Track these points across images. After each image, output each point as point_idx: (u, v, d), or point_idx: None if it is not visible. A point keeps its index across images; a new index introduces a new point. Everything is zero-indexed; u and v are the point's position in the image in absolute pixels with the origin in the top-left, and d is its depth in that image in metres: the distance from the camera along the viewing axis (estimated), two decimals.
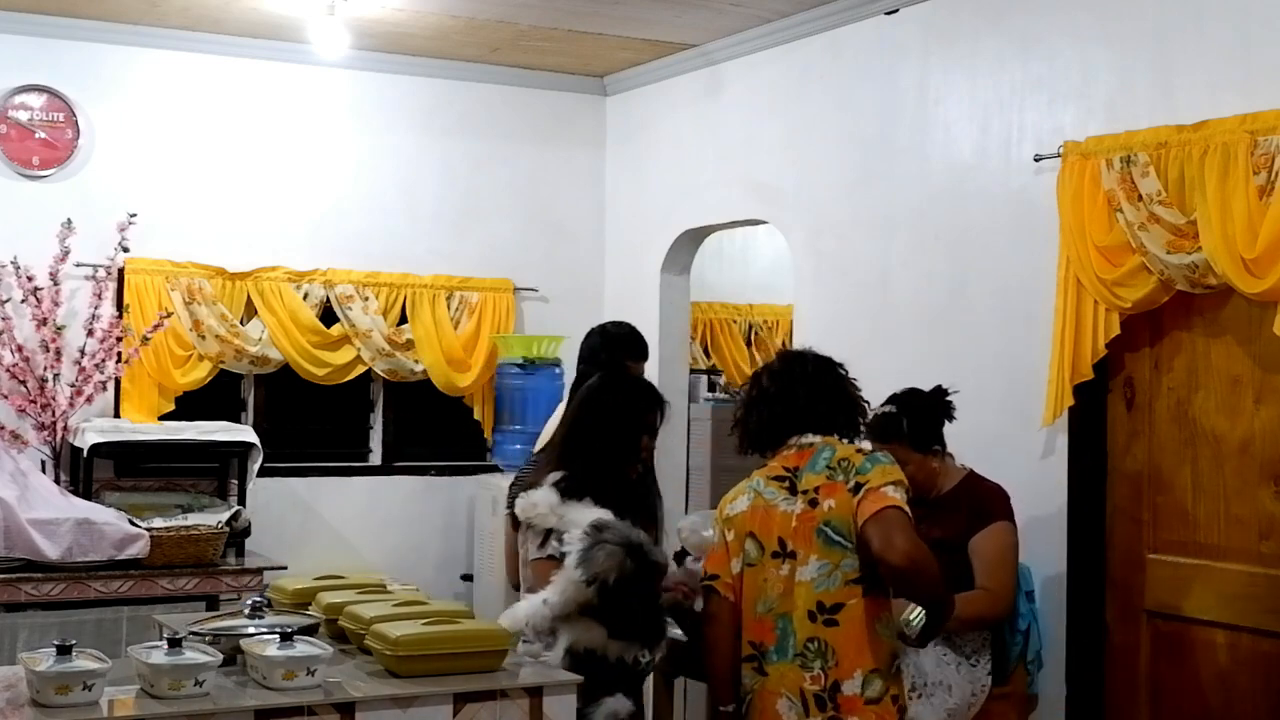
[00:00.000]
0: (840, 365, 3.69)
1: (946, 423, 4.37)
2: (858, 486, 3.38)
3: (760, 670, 3.46)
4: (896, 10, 5.46)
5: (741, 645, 3.52)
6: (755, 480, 3.57)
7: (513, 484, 4.53)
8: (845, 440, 3.57)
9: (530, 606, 3.60)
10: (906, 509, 3.36)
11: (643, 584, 3.56)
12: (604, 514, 3.67)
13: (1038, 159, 4.73)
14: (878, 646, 3.39)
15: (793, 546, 3.43)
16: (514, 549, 4.09)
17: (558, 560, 3.63)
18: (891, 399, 4.39)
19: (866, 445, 3.74)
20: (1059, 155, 4.56)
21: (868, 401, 3.73)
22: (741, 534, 3.52)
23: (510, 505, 4.09)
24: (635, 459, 3.91)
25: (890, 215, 5.47)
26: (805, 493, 3.43)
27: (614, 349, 4.89)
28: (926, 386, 4.41)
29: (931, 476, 4.34)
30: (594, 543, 3.54)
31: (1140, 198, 4.25)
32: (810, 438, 3.53)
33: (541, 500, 3.77)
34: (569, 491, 3.77)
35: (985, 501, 4.28)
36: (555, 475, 3.82)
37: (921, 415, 4.35)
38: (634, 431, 3.90)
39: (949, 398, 4.38)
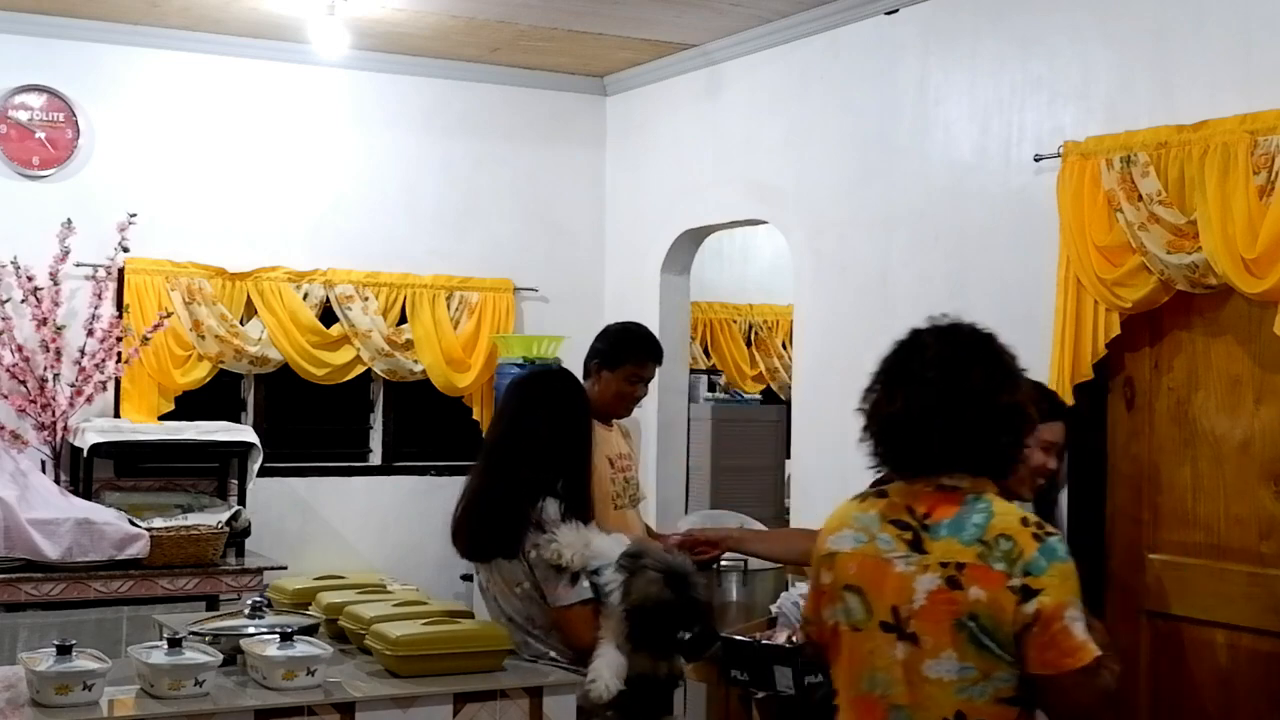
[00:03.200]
0: (1012, 356, 2.68)
1: None
2: (1027, 593, 2.43)
3: None
4: (896, 10, 5.46)
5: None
6: (870, 513, 2.65)
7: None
8: (994, 481, 2.61)
9: (611, 662, 3.40)
10: (1092, 647, 2.45)
11: (682, 616, 3.40)
12: (624, 539, 3.56)
13: (1038, 159, 4.73)
14: None
15: (915, 628, 2.51)
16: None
17: (599, 600, 3.50)
18: None
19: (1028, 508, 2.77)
20: (1059, 155, 4.56)
21: (1035, 419, 2.73)
22: (841, 580, 2.64)
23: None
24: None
25: (890, 215, 5.47)
26: (945, 565, 2.49)
27: (632, 348, 4.72)
28: None
29: None
30: (632, 571, 3.42)
31: (1140, 198, 4.25)
32: (958, 479, 2.57)
33: (576, 539, 3.50)
34: (576, 515, 3.59)
35: None
36: (553, 505, 3.57)
37: None
38: (588, 427, 3.79)
39: None
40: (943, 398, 2.56)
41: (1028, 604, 2.42)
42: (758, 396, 7.97)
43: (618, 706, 3.44)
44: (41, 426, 5.98)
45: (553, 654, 3.62)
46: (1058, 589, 2.43)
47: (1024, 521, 2.51)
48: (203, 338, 6.34)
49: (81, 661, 3.14)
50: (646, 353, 4.45)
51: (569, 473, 3.67)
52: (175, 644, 3.26)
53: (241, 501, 6.12)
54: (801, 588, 4.18)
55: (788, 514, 6.34)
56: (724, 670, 3.99)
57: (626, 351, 4.42)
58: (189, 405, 6.33)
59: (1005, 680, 2.47)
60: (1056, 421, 3.44)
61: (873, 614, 2.57)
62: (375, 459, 6.97)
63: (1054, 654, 2.43)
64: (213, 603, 5.54)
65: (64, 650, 3.13)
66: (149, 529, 5.56)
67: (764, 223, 6.54)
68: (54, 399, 6.00)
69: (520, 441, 3.69)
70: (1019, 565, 2.44)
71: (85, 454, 5.78)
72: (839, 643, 2.66)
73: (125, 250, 6.18)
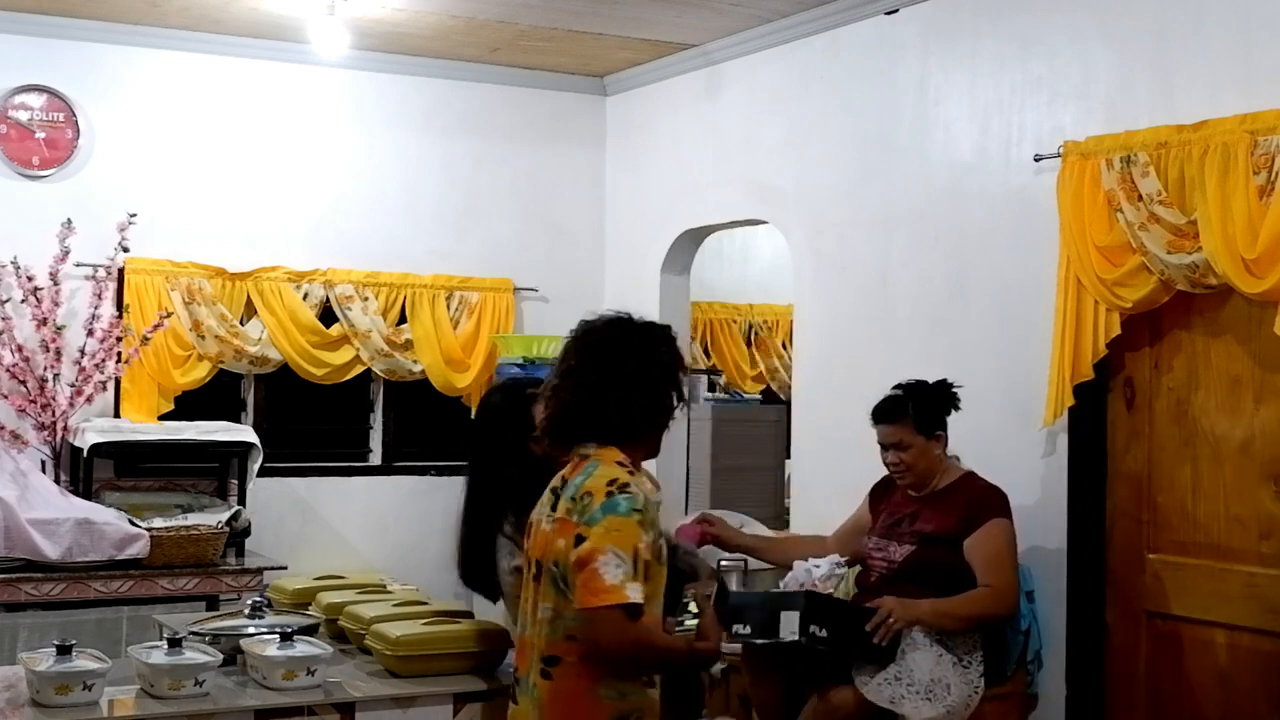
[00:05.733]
0: (670, 339, 3.05)
1: (952, 413, 4.42)
2: (579, 540, 2.81)
3: (514, 698, 3.01)
4: (896, 10, 5.46)
5: None
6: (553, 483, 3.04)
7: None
8: (628, 449, 2.97)
9: None
10: (626, 592, 2.75)
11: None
12: None
13: (1038, 159, 4.73)
14: (593, 712, 2.83)
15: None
16: None
17: None
18: (898, 386, 4.47)
19: (647, 473, 3.01)
20: (1059, 155, 4.56)
21: (684, 399, 3.07)
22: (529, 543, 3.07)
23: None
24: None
25: (890, 215, 5.47)
26: (556, 520, 2.91)
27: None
28: None
29: (932, 464, 4.40)
30: None
31: (1140, 198, 4.25)
32: (590, 447, 2.95)
33: None
34: None
35: (982, 499, 4.29)
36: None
37: (926, 400, 4.42)
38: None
39: (954, 390, 4.45)
40: (565, 378, 2.97)
41: (577, 549, 2.79)
42: (758, 397, 7.96)
43: None
44: (41, 426, 5.98)
45: None
46: (600, 537, 2.77)
47: (609, 481, 2.85)
48: (203, 338, 6.34)
49: (81, 661, 3.15)
50: None
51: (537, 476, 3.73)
52: (175, 644, 3.26)
53: (241, 501, 6.12)
54: (813, 560, 4.69)
55: (787, 514, 6.33)
56: (727, 625, 4.00)
57: None
58: (189, 405, 6.33)
59: (572, 619, 2.83)
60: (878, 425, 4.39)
61: (530, 567, 2.98)
62: (375, 459, 6.97)
63: (584, 592, 2.77)
64: (213, 603, 5.54)
65: (64, 650, 3.13)
66: (149, 529, 5.56)
67: (764, 223, 6.54)
68: (54, 399, 6.00)
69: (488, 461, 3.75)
70: (584, 517, 2.81)
71: (85, 454, 5.77)
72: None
73: (125, 250, 6.18)
